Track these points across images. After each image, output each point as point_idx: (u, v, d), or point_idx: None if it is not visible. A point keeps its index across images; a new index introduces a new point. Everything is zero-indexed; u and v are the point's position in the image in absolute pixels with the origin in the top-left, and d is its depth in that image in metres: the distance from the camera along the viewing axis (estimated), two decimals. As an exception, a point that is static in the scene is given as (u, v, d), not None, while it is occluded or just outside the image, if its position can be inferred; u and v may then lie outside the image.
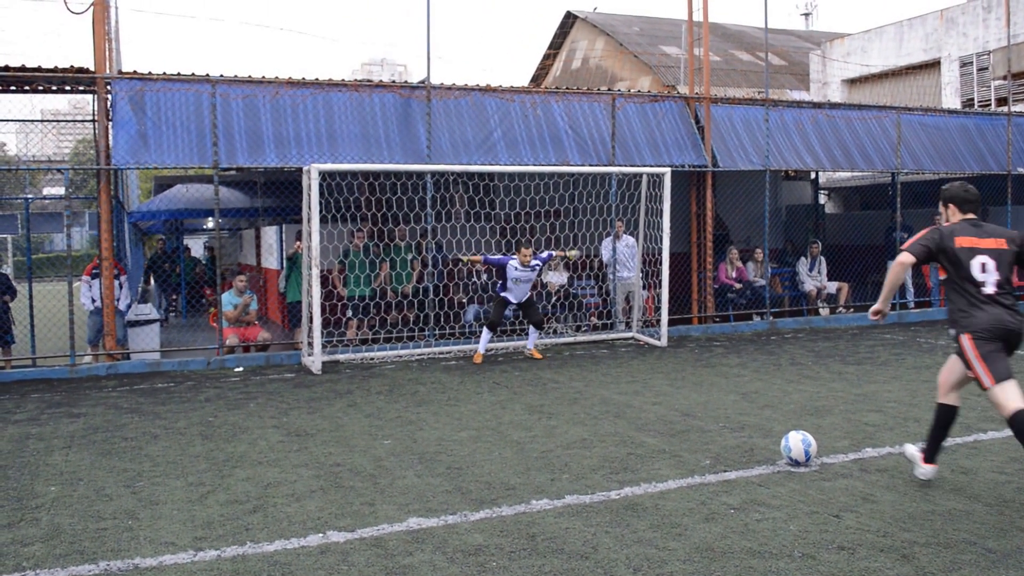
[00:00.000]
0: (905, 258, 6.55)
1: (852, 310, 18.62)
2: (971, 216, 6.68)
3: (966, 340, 6.40)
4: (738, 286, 17.31)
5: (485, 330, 13.66)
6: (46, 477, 7.41)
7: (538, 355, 13.71)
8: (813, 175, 23.64)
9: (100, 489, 7.00)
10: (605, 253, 16.41)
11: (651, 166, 15.55)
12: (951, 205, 6.77)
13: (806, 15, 54.45)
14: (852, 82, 31.58)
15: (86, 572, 5.31)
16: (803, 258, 18.71)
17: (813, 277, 18.47)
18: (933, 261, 6.63)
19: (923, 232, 6.65)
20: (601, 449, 7.95)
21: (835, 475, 6.97)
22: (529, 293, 13.84)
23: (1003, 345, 6.39)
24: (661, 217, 14.77)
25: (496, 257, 14.03)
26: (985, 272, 6.43)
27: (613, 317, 16.31)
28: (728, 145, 16.80)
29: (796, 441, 7.21)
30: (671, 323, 15.50)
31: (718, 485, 6.76)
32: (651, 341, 14.93)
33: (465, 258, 14.35)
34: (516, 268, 13.47)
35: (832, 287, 18.55)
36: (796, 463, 7.20)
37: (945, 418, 6.68)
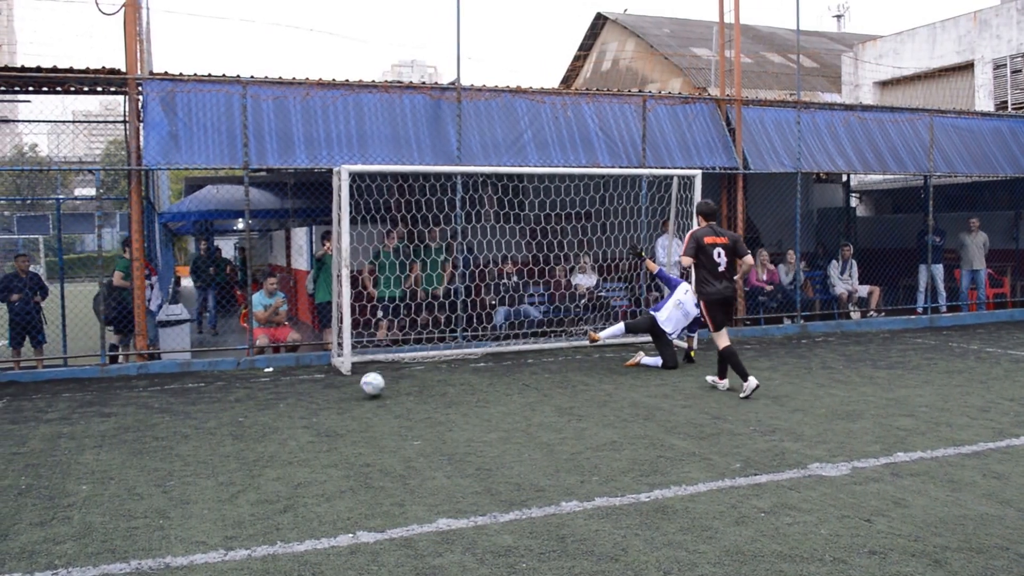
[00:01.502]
0: (686, 260, 10.71)
1: (883, 314, 18.48)
2: (712, 222, 10.79)
3: (702, 304, 10.70)
4: (769, 288, 17.19)
5: (623, 326, 13.19)
6: (77, 476, 7.47)
7: (632, 364, 13.24)
8: (845, 178, 23.44)
9: (131, 488, 7.04)
10: (660, 252, 16.25)
11: (682, 168, 15.49)
12: (700, 216, 10.91)
13: (838, 17, 54.23)
14: (884, 84, 31.32)
15: (117, 571, 5.35)
16: (834, 261, 18.57)
17: (844, 280, 18.34)
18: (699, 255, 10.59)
19: (687, 240, 10.68)
20: (631, 451, 7.93)
21: (866, 479, 6.92)
22: (681, 331, 13.26)
23: (724, 305, 10.58)
24: (691, 220, 14.69)
25: (670, 276, 13.65)
26: (720, 258, 10.51)
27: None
28: (759, 147, 16.71)
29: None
30: (701, 325, 15.39)
31: (748, 488, 6.72)
32: (682, 344, 14.85)
33: (646, 259, 13.78)
34: (686, 292, 12.91)
35: (863, 290, 18.40)
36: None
37: (730, 355, 10.52)
